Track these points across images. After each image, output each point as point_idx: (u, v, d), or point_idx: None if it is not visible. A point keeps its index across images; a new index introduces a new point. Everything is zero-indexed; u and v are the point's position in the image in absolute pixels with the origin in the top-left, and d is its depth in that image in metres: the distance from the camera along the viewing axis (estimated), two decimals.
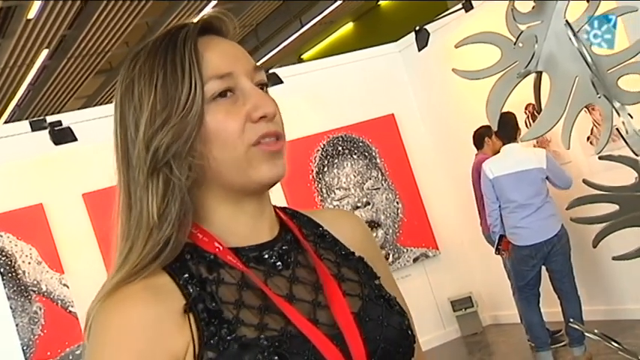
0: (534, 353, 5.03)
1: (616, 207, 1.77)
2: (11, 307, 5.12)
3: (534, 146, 5.24)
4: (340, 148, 6.40)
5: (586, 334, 1.88)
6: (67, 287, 5.27)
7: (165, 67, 0.89)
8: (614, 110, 1.70)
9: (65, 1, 9.21)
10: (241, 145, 0.88)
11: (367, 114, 6.51)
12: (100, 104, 13.58)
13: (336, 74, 6.57)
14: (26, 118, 9.16)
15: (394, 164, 6.53)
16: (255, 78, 0.92)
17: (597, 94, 1.69)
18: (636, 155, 1.72)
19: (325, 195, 6.28)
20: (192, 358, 0.83)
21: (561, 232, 4.70)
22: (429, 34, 5.89)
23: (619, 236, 1.81)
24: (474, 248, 6.31)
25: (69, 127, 5.14)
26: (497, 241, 4.95)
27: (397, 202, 6.51)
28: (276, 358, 0.81)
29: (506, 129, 4.72)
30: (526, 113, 5.51)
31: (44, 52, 10.87)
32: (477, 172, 5.23)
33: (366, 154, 6.50)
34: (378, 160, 6.52)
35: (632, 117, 1.72)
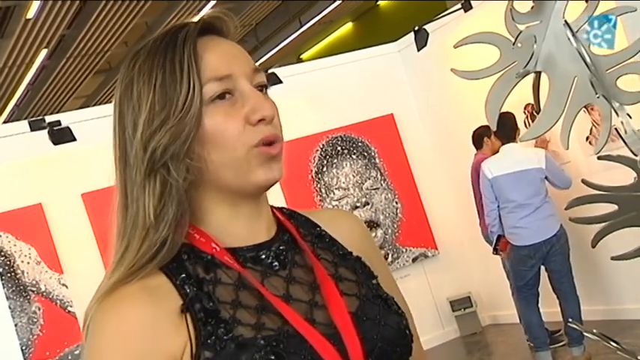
0: (533, 353, 5.03)
1: (615, 207, 1.77)
2: (10, 307, 5.11)
3: (535, 146, 5.24)
4: (339, 148, 6.41)
5: (585, 334, 1.88)
6: (66, 287, 5.26)
7: (164, 68, 0.89)
8: (612, 110, 1.70)
9: (64, 1, 9.20)
10: (240, 147, 0.88)
11: (366, 114, 6.52)
12: (99, 104, 13.58)
13: (336, 74, 6.57)
14: (25, 118, 9.15)
15: (393, 164, 6.53)
16: (255, 80, 0.92)
17: (596, 94, 1.70)
18: (635, 155, 1.72)
19: (324, 195, 6.28)
20: (189, 358, 0.83)
21: (560, 232, 4.70)
22: (428, 34, 5.89)
23: (618, 236, 1.81)
24: (473, 248, 6.31)
25: (68, 127, 5.14)
26: (495, 241, 4.95)
27: (396, 202, 6.51)
28: (272, 357, 0.81)
29: (506, 129, 4.73)
30: (525, 113, 5.51)
31: (43, 52, 10.87)
32: (476, 172, 5.23)
33: (365, 154, 6.50)
34: (377, 160, 6.52)
35: (630, 117, 1.72)
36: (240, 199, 0.92)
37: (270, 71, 5.79)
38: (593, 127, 5.14)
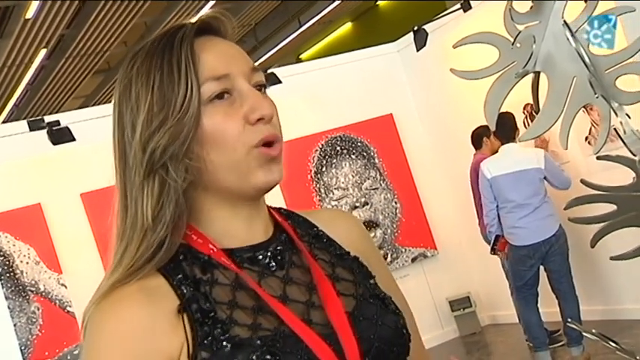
0: (532, 353, 5.03)
1: (614, 207, 1.77)
2: (9, 307, 5.11)
3: (536, 146, 5.24)
4: (338, 148, 6.41)
5: (584, 334, 1.88)
6: (65, 287, 5.26)
7: (162, 69, 0.89)
8: (611, 110, 1.70)
9: (63, 1, 9.20)
10: (240, 147, 0.88)
11: (365, 114, 6.52)
12: (99, 104, 13.58)
13: (335, 74, 6.57)
14: (24, 118, 9.15)
15: (392, 164, 6.53)
16: (253, 79, 0.92)
17: (595, 94, 1.70)
18: (634, 155, 1.72)
19: (323, 195, 6.28)
20: (186, 359, 0.83)
21: (559, 232, 4.70)
22: (427, 34, 5.90)
23: (617, 236, 1.81)
24: (472, 248, 6.31)
25: (67, 127, 5.14)
26: (493, 240, 4.95)
27: (395, 202, 6.51)
28: (268, 357, 0.82)
29: (505, 129, 4.73)
30: (524, 113, 5.51)
31: (42, 52, 10.86)
32: (475, 172, 5.23)
33: (365, 154, 6.50)
34: (377, 160, 6.52)
35: (629, 117, 1.72)
36: (239, 201, 0.92)
37: (269, 71, 5.79)
38: (592, 127, 5.14)
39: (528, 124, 5.44)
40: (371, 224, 6.34)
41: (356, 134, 6.47)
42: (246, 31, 13.07)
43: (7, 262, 5.17)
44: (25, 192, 5.30)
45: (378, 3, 13.42)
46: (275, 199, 0.98)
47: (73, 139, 5.11)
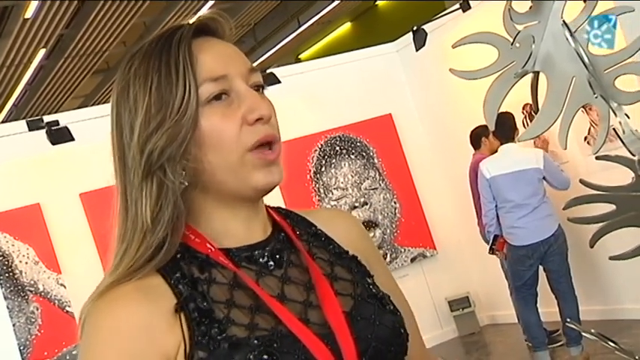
0: (532, 353, 5.03)
1: (613, 207, 1.77)
2: (8, 307, 5.11)
3: (535, 147, 5.24)
4: (338, 148, 6.41)
5: (583, 333, 1.88)
6: (64, 287, 5.26)
7: (159, 70, 0.89)
8: (611, 110, 1.70)
9: (62, 1, 9.19)
10: (238, 148, 0.88)
11: (365, 114, 6.52)
12: (98, 104, 13.57)
13: (334, 74, 6.57)
14: (23, 118, 9.13)
15: (392, 164, 6.53)
16: (251, 80, 0.92)
17: (594, 94, 1.70)
18: (633, 155, 1.72)
19: (323, 195, 6.28)
20: (183, 358, 0.83)
21: (558, 232, 4.70)
22: (426, 34, 5.90)
23: (616, 236, 1.81)
24: (471, 248, 6.31)
25: (66, 127, 5.14)
26: (491, 240, 4.95)
27: (395, 202, 6.51)
28: (265, 357, 0.82)
29: (504, 129, 4.73)
30: (523, 113, 5.51)
31: (41, 52, 10.86)
32: (474, 172, 5.23)
33: (364, 154, 6.50)
34: (376, 160, 6.52)
35: (629, 117, 1.72)
36: (238, 202, 0.92)
37: (268, 71, 5.79)
38: (592, 127, 5.14)
39: (527, 124, 5.44)
40: (370, 224, 6.34)
41: (355, 134, 6.47)
42: (246, 31, 13.07)
43: (6, 262, 5.17)
44: (24, 192, 5.29)
45: (377, 3, 13.43)
46: (274, 199, 0.97)
47: (72, 139, 5.11)
